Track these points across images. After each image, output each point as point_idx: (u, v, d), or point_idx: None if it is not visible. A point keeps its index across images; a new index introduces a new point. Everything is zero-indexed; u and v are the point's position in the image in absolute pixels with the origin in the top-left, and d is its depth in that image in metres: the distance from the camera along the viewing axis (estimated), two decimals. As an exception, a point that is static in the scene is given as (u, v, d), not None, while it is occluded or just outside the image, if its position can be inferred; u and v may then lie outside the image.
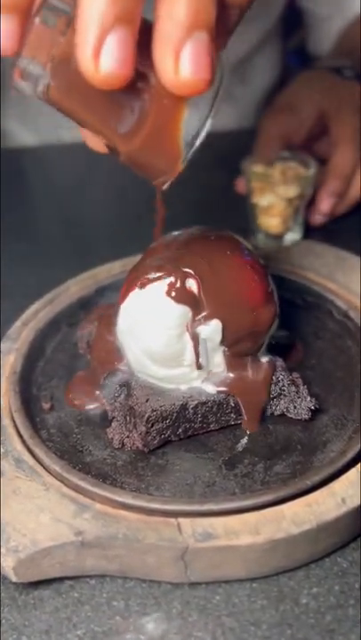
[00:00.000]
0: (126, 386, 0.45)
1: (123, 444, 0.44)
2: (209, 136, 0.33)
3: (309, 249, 0.60)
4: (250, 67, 1.05)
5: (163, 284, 0.42)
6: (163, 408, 0.43)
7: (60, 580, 0.40)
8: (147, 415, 0.42)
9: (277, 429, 0.45)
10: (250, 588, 0.39)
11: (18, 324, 0.53)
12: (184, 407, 0.43)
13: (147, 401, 0.43)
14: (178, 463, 0.43)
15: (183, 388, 0.44)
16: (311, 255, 0.59)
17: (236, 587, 0.39)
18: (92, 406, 0.47)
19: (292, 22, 1.07)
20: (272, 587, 0.39)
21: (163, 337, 0.43)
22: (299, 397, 0.45)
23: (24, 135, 1.00)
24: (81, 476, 0.41)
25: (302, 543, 0.38)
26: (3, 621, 0.38)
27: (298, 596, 0.38)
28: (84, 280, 0.57)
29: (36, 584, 0.39)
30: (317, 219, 0.69)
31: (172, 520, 0.38)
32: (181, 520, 0.38)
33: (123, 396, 0.45)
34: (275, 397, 0.45)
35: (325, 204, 0.68)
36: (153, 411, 0.43)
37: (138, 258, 0.47)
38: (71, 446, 0.44)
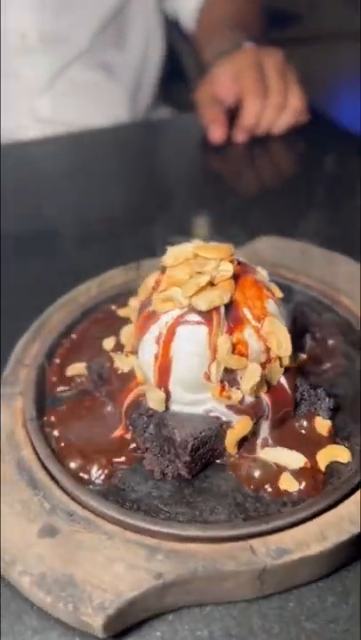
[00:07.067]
0: (154, 416, 0.45)
1: (164, 475, 0.44)
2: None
3: (274, 244, 0.62)
4: (124, 25, 1.03)
5: (188, 316, 0.43)
6: (203, 434, 0.43)
7: (138, 623, 0.40)
8: (190, 444, 0.43)
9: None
10: (317, 588, 0.42)
11: (12, 361, 0.50)
12: (220, 428, 0.44)
13: (183, 428, 0.43)
14: (222, 483, 0.44)
15: (208, 406, 0.45)
16: (275, 250, 0.61)
17: (304, 590, 0.42)
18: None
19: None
20: (336, 583, 0.42)
21: (195, 364, 0.43)
22: (318, 399, 0.47)
23: None
24: (140, 517, 0.41)
25: (361, 539, 0.41)
26: None
27: (361, 586, 0.42)
28: (65, 304, 0.55)
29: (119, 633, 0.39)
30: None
31: (245, 543, 0.40)
32: (253, 542, 0.40)
33: (152, 426, 0.45)
34: (297, 403, 0.47)
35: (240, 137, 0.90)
36: (195, 438, 0.43)
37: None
38: (112, 486, 0.44)
